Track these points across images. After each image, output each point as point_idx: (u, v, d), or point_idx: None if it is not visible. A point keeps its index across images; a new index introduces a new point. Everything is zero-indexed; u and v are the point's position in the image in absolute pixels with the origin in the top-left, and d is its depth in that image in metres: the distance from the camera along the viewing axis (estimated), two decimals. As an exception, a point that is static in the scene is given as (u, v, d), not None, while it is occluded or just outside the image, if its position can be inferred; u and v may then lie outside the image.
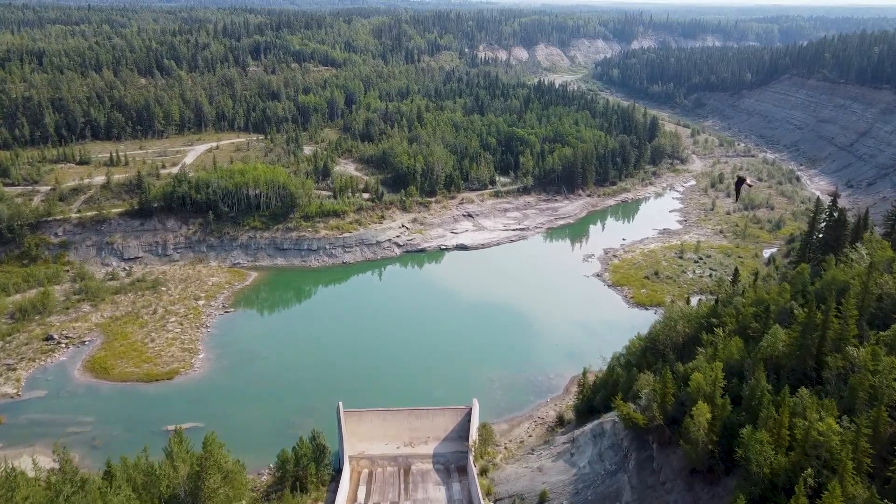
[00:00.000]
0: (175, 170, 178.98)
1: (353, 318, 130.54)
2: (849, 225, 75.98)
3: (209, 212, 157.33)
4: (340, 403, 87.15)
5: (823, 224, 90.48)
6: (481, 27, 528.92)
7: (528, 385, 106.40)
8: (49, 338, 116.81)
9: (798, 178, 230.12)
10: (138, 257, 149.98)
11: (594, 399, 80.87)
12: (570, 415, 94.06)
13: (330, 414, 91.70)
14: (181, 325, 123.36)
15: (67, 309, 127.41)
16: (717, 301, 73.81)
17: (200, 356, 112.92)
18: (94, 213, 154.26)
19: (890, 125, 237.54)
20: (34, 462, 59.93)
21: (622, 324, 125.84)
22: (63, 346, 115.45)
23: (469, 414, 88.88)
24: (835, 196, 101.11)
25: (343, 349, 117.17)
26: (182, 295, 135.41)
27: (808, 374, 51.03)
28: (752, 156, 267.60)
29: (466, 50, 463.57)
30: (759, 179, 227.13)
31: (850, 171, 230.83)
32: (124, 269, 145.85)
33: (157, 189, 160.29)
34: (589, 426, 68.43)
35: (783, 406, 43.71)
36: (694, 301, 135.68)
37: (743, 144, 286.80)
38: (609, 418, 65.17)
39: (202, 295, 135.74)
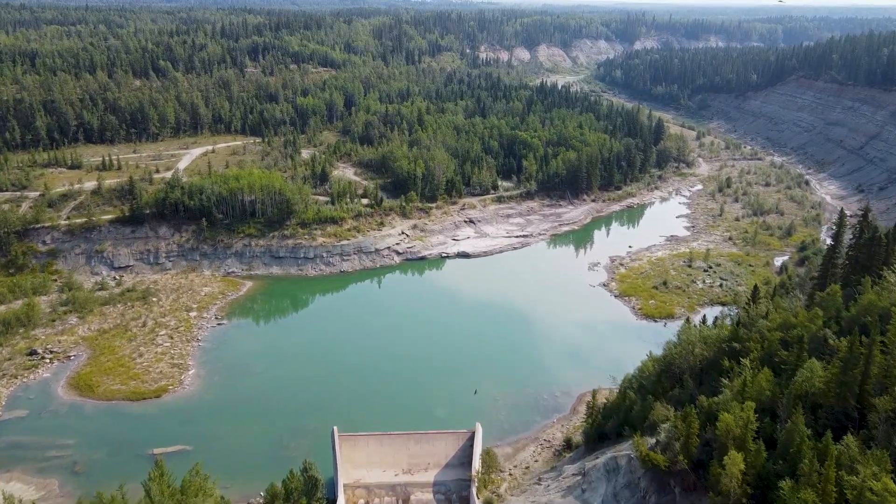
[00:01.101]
0: (169, 174, 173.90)
1: (351, 330, 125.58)
2: (884, 243, 70.58)
3: (203, 219, 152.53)
4: (335, 428, 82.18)
5: (853, 241, 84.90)
6: (483, 27, 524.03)
7: (533, 404, 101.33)
8: (33, 352, 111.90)
9: (807, 183, 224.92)
10: (129, 266, 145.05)
11: (605, 425, 75.80)
12: (578, 437, 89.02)
13: (324, 435, 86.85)
14: (171, 338, 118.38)
15: (53, 321, 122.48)
16: (738, 323, 68.77)
17: (190, 372, 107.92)
18: (84, 220, 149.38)
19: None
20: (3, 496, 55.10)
21: (630, 338, 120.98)
22: (47, 361, 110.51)
23: (472, 438, 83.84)
24: (866, 211, 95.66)
25: (339, 364, 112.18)
26: (173, 306, 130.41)
27: (849, 415, 46.07)
28: (760, 159, 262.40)
29: (468, 51, 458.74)
30: (768, 184, 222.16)
31: (860, 175, 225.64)
32: (114, 278, 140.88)
33: (149, 195, 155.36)
34: (601, 459, 63.36)
35: (828, 458, 38.72)
36: (705, 312, 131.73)
37: (749, 147, 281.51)
38: (624, 452, 60.12)
39: (194, 306, 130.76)
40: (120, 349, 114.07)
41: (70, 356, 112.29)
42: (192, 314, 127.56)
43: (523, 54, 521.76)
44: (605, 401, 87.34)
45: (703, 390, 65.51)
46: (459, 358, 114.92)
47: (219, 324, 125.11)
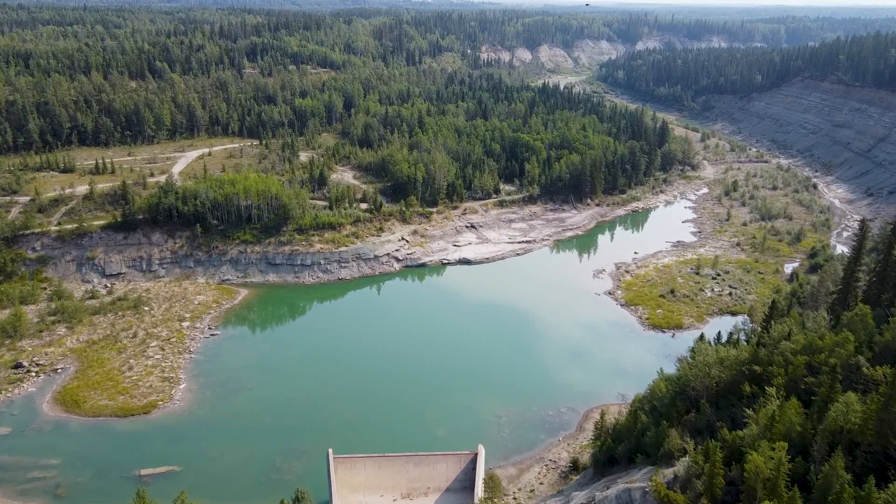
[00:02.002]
0: (164, 178, 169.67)
1: (348, 342, 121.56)
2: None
3: (197, 224, 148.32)
4: (330, 451, 78.18)
5: (880, 256, 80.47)
6: (484, 28, 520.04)
7: (537, 421, 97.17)
8: (18, 365, 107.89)
9: (815, 186, 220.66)
10: (121, 273, 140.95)
11: (615, 449, 71.63)
12: (585, 458, 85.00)
13: (319, 457, 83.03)
14: (162, 350, 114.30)
15: (41, 332, 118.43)
16: (757, 344, 64.63)
17: (181, 387, 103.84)
18: (75, 225, 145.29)
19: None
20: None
21: (638, 350, 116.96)
22: (33, 374, 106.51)
23: (474, 461, 79.87)
24: (895, 226, 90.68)
25: (336, 378, 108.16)
26: (165, 315, 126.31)
27: (891, 455, 42.01)
28: (766, 161, 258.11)
29: (469, 51, 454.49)
30: (775, 188, 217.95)
31: (868, 179, 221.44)
32: (105, 286, 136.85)
33: (141, 200, 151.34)
34: (613, 490, 59.24)
35: (875, 511, 34.76)
36: (714, 322, 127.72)
37: (755, 150, 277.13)
38: (638, 484, 56.01)
39: (187, 315, 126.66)
40: (109, 362, 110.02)
41: (57, 369, 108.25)
42: (185, 324, 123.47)
43: (525, 55, 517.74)
44: (614, 420, 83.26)
45: (722, 416, 61.50)
46: (460, 371, 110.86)
47: (212, 335, 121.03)
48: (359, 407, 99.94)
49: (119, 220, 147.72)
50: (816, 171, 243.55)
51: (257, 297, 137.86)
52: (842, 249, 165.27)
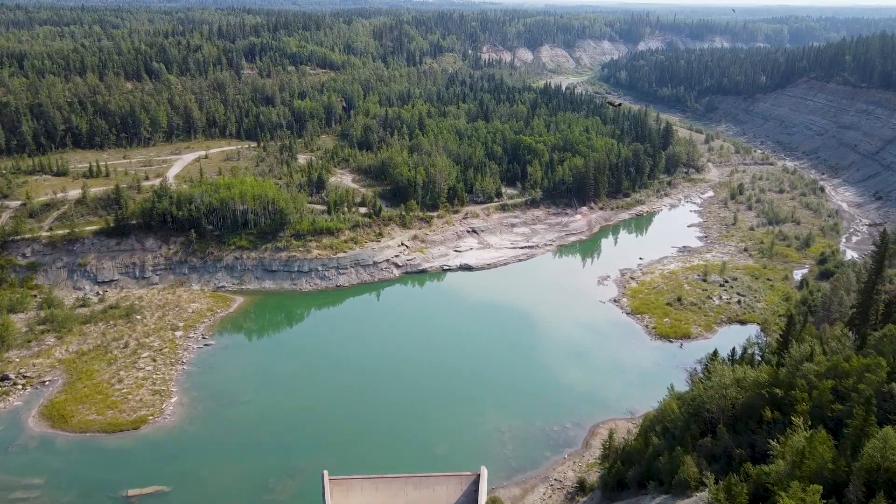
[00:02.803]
0: (160, 182, 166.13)
1: (346, 352, 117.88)
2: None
3: (192, 230, 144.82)
4: (325, 472, 74.35)
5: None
6: (485, 28, 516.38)
7: (542, 437, 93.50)
8: (5, 377, 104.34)
9: (822, 189, 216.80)
10: (113, 280, 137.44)
11: (625, 472, 67.97)
12: (592, 478, 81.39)
13: (314, 477, 79.02)
14: (154, 361, 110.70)
15: (29, 342, 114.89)
16: (777, 364, 60.95)
17: (173, 400, 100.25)
18: (67, 231, 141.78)
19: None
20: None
21: (645, 361, 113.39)
22: (20, 387, 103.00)
23: (476, 482, 75.88)
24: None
25: (332, 391, 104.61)
26: (158, 324, 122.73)
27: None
28: (771, 164, 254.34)
29: (469, 51, 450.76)
30: (782, 191, 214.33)
31: (877, 182, 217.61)
32: (97, 293, 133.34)
33: (135, 205, 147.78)
34: (625, 522, 55.61)
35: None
36: (723, 331, 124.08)
37: (760, 151, 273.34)
38: (652, 517, 52.40)
39: (180, 324, 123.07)
40: (98, 373, 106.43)
41: (45, 381, 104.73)
42: (178, 334, 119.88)
43: (526, 55, 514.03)
44: (623, 440, 79.63)
45: (740, 441, 57.80)
46: (462, 383, 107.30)
47: (206, 344, 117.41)
48: (356, 421, 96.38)
49: (112, 225, 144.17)
50: (823, 174, 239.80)
51: (253, 304, 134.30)
52: (851, 255, 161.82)
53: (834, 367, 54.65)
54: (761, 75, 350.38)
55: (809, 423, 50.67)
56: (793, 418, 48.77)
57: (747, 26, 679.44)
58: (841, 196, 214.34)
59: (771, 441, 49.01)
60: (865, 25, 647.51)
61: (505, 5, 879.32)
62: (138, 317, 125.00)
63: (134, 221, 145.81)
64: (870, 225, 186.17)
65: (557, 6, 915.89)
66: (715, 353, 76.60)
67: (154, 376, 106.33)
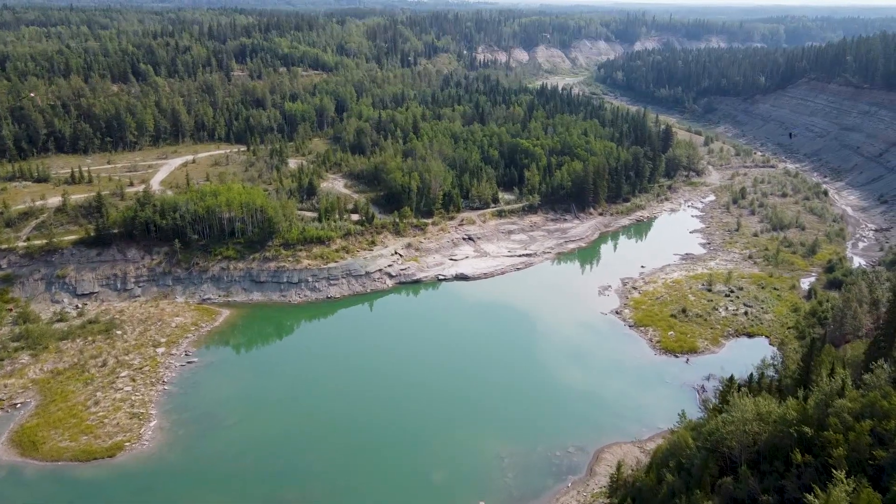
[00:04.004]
0: (144, 188, 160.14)
1: (337, 369, 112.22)
2: None
3: (176, 239, 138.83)
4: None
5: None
6: (480, 28, 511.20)
7: (543, 463, 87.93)
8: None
9: (826, 193, 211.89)
10: (94, 293, 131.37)
11: (636, 512, 62.56)
12: (598, 511, 76.07)
13: (302, 511, 74.00)
14: (133, 381, 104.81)
15: (2, 360, 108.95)
16: (804, 399, 55.58)
17: (152, 424, 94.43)
18: (45, 241, 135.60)
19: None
20: None
21: (651, 378, 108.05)
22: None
23: (475, 519, 70.72)
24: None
25: (323, 412, 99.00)
26: (139, 340, 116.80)
27: None
28: (772, 167, 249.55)
29: (465, 52, 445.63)
30: (784, 195, 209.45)
31: (881, 185, 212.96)
32: (76, 306, 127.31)
33: (116, 214, 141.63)
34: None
35: None
36: (730, 344, 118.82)
37: (760, 154, 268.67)
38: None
39: (163, 340, 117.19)
40: (74, 395, 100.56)
41: (16, 404, 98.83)
42: (160, 350, 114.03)
43: (521, 55, 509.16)
44: (631, 471, 74.24)
45: (766, 485, 52.43)
46: (459, 402, 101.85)
47: (189, 362, 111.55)
48: (348, 446, 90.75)
49: (92, 234, 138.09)
50: (825, 177, 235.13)
51: (240, 318, 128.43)
52: (859, 262, 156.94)
53: (871, 404, 49.36)
54: (760, 76, 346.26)
55: (846, 469, 45.34)
56: (833, 471, 43.24)
57: (744, 26, 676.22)
58: (845, 200, 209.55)
59: (808, 495, 43.54)
60: (862, 25, 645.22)
61: (500, 5, 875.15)
62: (118, 332, 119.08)
63: (116, 231, 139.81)
64: (876, 230, 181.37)
65: (553, 6, 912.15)
66: (731, 379, 71.16)
67: (133, 398, 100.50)
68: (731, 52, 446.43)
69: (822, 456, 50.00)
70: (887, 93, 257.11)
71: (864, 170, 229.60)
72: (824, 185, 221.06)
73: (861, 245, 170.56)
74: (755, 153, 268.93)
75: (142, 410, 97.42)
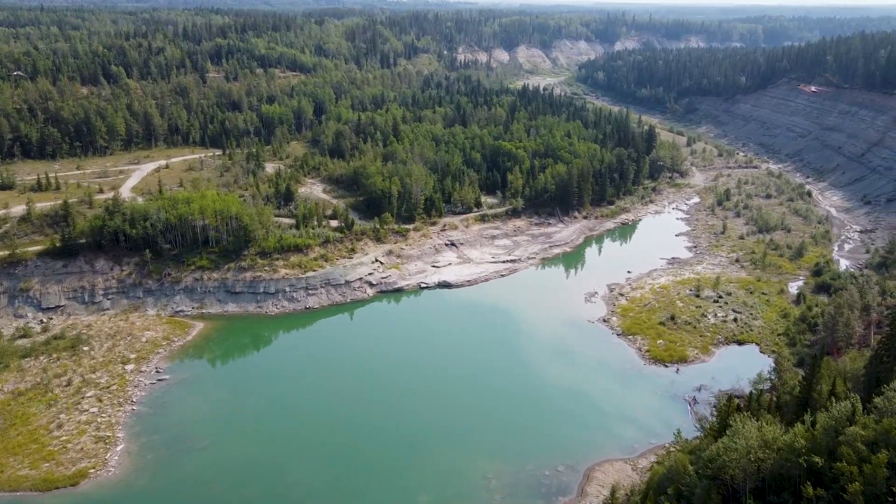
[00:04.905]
0: (114, 195, 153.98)
1: (316, 385, 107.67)
2: None
3: (147, 249, 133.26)
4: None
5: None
6: (460, 28, 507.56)
7: (532, 484, 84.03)
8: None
9: (809, 194, 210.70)
10: (60, 306, 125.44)
11: (633, 543, 58.84)
12: (590, 535, 72.37)
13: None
14: (100, 401, 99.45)
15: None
16: (813, 424, 52.22)
17: (118, 448, 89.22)
18: (7, 252, 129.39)
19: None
20: None
21: (641, 390, 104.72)
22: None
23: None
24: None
25: (302, 432, 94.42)
26: (107, 357, 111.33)
27: None
28: (755, 167, 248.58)
29: (445, 52, 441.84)
30: (769, 196, 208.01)
31: (864, 185, 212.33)
32: (41, 321, 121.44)
33: (84, 223, 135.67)
34: None
35: None
36: (721, 353, 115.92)
37: (743, 154, 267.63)
38: None
39: (132, 356, 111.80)
40: (36, 418, 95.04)
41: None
42: (129, 367, 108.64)
43: (502, 55, 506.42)
44: (625, 495, 70.62)
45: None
46: (444, 419, 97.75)
47: (160, 379, 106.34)
48: (329, 468, 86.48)
49: (58, 245, 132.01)
50: (808, 177, 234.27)
51: (214, 330, 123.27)
52: (845, 264, 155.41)
53: (885, 432, 45.99)
54: (741, 76, 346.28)
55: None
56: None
57: (722, 26, 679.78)
58: (829, 201, 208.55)
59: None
60: (839, 25, 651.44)
61: (480, 5, 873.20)
62: (85, 348, 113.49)
63: (83, 241, 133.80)
64: (861, 231, 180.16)
65: (533, 6, 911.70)
66: (730, 399, 67.72)
67: (99, 420, 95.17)
68: (711, 52, 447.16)
69: (835, 488, 46.69)
70: (867, 93, 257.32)
71: (847, 170, 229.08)
72: (808, 186, 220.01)
73: (847, 247, 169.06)
74: (738, 154, 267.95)
75: (108, 433, 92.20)
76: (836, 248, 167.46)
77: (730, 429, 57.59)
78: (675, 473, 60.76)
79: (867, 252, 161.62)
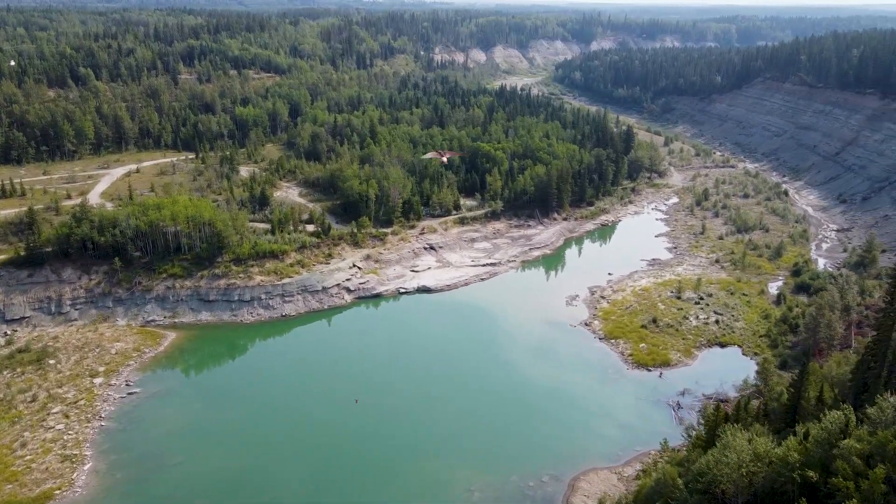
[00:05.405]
0: (82, 201, 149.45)
1: (293, 396, 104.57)
2: None
3: (116, 257, 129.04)
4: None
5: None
6: (437, 28, 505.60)
7: (516, 496, 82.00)
8: None
9: (786, 193, 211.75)
10: (24, 318, 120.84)
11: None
12: (577, 549, 70.52)
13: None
14: (67, 417, 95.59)
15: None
16: (805, 435, 50.81)
17: (86, 467, 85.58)
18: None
19: (879, 133, 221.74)
20: None
21: (624, 395, 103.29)
22: None
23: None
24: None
25: (281, 444, 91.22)
26: (74, 370, 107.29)
27: None
28: (732, 167, 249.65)
29: (422, 52, 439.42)
30: (746, 196, 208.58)
31: (840, 184, 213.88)
32: (5, 333, 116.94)
33: (50, 231, 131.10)
34: None
35: None
36: (703, 356, 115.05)
37: (720, 154, 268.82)
38: None
39: (101, 370, 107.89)
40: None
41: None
42: (98, 381, 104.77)
43: (479, 55, 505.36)
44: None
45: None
46: (425, 429, 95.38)
47: (130, 393, 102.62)
48: (309, 482, 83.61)
49: (23, 254, 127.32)
50: (784, 176, 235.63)
51: (188, 340, 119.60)
52: (824, 263, 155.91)
53: (881, 445, 44.59)
54: (716, 75, 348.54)
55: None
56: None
57: (697, 26, 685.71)
58: (805, 200, 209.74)
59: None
60: (810, 25, 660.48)
61: (456, 5, 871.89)
62: (51, 361, 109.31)
63: (49, 249, 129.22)
64: (838, 230, 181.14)
65: (510, 6, 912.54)
66: (718, 408, 66.27)
67: (65, 437, 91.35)
68: (686, 52, 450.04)
69: (829, 502, 45.18)
70: (840, 92, 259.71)
71: (822, 169, 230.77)
72: (784, 185, 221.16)
73: (825, 246, 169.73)
74: (715, 153, 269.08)
75: (75, 452, 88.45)
76: (813, 248, 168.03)
77: (719, 440, 56.05)
78: (664, 487, 59.09)
79: (844, 251, 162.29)
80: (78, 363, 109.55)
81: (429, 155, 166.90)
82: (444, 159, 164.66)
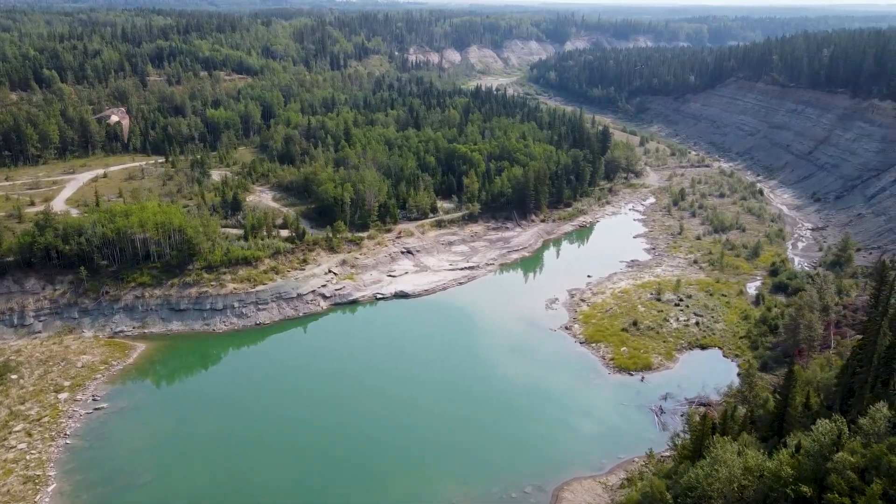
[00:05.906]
0: (46, 207, 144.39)
1: (268, 408, 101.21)
2: None
3: (82, 266, 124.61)
4: None
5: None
6: (411, 28, 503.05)
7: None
8: None
9: (761, 192, 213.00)
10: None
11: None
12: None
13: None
14: (30, 435, 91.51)
15: None
16: (797, 448, 49.43)
17: (50, 489, 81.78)
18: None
19: (851, 132, 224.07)
20: None
21: (606, 400, 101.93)
22: None
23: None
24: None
25: (256, 460, 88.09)
26: (38, 385, 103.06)
27: None
28: (707, 166, 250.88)
29: (396, 53, 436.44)
30: (722, 195, 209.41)
31: (813, 183, 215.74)
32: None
33: (12, 240, 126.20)
34: None
35: None
36: (685, 358, 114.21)
37: (696, 153, 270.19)
38: None
39: (66, 384, 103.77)
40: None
41: None
42: (63, 396, 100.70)
43: (454, 56, 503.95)
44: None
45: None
46: (405, 441, 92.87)
47: (97, 408, 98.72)
48: (283, 498, 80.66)
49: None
50: (759, 175, 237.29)
51: (158, 352, 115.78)
52: (800, 263, 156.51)
53: (876, 459, 43.26)
54: (690, 75, 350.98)
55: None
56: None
57: (669, 26, 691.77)
58: (780, 199, 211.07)
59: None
60: (779, 25, 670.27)
61: (430, 5, 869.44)
62: (14, 376, 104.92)
63: (11, 259, 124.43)
64: (813, 229, 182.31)
65: (484, 6, 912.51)
66: (705, 417, 64.87)
67: (28, 457, 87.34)
68: (660, 52, 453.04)
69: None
70: (812, 91, 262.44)
71: (796, 168, 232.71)
72: (759, 184, 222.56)
73: (801, 245, 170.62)
74: (690, 152, 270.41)
75: (38, 472, 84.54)
76: (789, 247, 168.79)
77: (707, 452, 54.52)
78: (652, 500, 57.42)
79: (820, 250, 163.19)
80: (42, 378, 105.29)
81: None
82: None
